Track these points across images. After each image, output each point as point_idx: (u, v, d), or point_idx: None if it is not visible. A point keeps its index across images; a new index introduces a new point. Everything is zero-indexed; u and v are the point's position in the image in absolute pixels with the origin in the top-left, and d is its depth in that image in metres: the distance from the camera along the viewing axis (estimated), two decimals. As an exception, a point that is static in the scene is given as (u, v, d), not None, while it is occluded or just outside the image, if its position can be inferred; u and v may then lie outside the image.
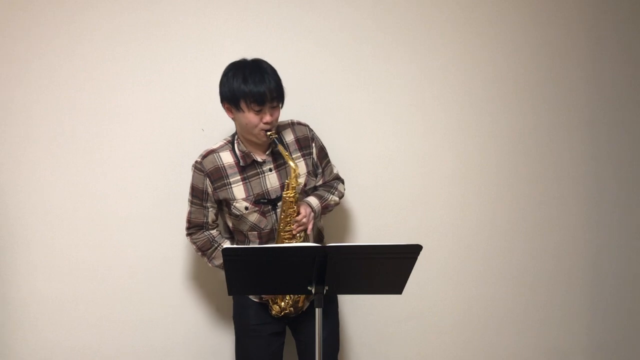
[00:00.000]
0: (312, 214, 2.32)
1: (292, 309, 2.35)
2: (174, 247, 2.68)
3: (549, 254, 2.98)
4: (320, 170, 2.47)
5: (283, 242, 2.29)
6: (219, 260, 2.36)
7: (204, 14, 2.66)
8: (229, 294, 2.08)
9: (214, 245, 2.38)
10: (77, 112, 2.60)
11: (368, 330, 2.85)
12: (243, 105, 2.20)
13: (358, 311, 2.84)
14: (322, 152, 2.47)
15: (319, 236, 2.50)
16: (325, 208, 2.43)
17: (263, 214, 2.32)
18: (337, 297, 2.54)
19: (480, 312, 2.95)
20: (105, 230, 2.63)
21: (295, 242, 2.29)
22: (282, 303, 2.35)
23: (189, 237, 2.41)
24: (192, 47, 2.66)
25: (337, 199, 2.47)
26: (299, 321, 2.43)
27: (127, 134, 2.64)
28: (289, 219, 2.28)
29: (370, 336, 2.85)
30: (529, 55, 2.92)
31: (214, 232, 2.40)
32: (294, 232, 2.29)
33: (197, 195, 2.33)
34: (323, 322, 1.97)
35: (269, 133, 2.23)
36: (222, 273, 2.01)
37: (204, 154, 2.33)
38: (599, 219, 3.03)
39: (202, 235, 2.38)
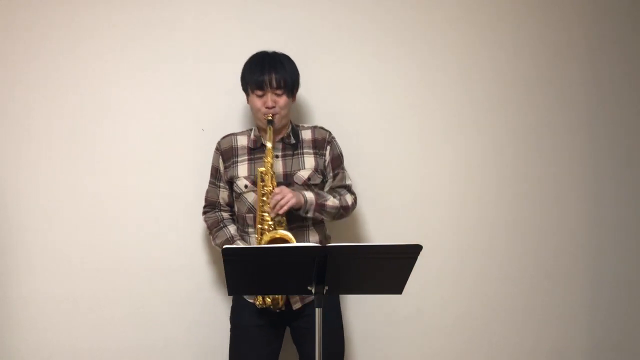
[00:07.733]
0: (290, 194, 2.26)
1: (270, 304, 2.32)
2: (174, 247, 2.68)
3: (549, 253, 2.98)
4: (331, 175, 2.48)
5: (262, 224, 2.29)
6: (220, 240, 2.44)
7: (204, 14, 2.66)
8: (229, 293, 2.08)
9: (220, 225, 2.47)
10: (77, 112, 2.61)
11: (368, 331, 2.85)
12: (249, 90, 2.38)
13: (358, 311, 2.83)
14: (337, 160, 2.49)
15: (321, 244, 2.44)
16: (322, 207, 2.37)
17: None
18: (338, 304, 2.50)
19: (480, 312, 2.94)
20: (105, 230, 2.63)
21: (272, 227, 2.28)
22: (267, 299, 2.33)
23: (203, 215, 2.52)
24: (192, 47, 2.66)
25: (337, 202, 2.41)
26: (300, 333, 2.41)
27: (127, 134, 2.64)
28: (264, 198, 2.28)
29: (369, 336, 2.85)
30: (529, 55, 2.92)
31: (225, 214, 2.49)
32: (269, 214, 2.27)
33: (213, 173, 2.49)
34: (324, 329, 1.96)
35: (268, 115, 2.33)
36: (222, 272, 2.01)
37: (224, 136, 2.49)
38: (599, 218, 3.03)
39: (214, 214, 2.49)
